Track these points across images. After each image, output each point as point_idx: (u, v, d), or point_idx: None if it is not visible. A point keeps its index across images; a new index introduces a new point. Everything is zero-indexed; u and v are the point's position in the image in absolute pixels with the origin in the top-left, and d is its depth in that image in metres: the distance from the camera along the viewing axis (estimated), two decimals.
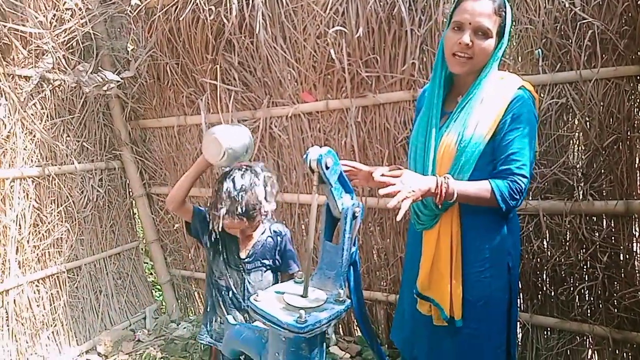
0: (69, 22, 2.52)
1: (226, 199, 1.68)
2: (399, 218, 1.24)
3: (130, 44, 2.71)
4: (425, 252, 1.52)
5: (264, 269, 1.86)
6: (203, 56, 2.52)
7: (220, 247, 1.85)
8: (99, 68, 2.67)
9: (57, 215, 2.57)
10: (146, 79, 2.76)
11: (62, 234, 2.60)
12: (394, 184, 1.27)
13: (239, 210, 1.67)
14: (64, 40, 2.53)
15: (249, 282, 1.84)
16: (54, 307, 2.56)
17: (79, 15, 2.55)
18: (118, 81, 2.62)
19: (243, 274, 1.84)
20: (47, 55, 2.44)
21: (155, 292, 3.33)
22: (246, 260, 1.85)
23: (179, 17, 2.43)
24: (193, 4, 2.32)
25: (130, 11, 2.55)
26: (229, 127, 1.81)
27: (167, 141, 2.89)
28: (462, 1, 1.43)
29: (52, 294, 2.55)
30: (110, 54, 2.78)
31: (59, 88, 2.57)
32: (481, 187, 1.38)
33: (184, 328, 2.89)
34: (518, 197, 1.38)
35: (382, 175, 1.35)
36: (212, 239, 1.83)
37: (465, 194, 1.37)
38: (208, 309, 1.93)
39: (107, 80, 2.54)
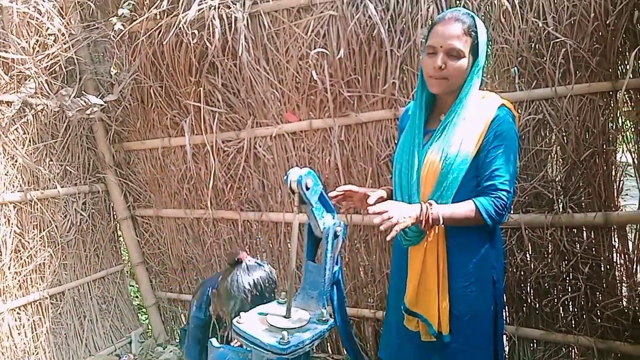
0: (51, 47, 2.52)
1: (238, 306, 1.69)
2: (388, 238, 1.29)
3: (114, 68, 2.72)
4: (412, 268, 1.53)
5: None
6: (187, 79, 2.54)
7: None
8: (82, 92, 2.66)
9: (40, 241, 2.54)
10: (130, 102, 2.76)
11: (44, 260, 2.56)
12: (387, 211, 1.32)
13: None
14: (47, 65, 2.53)
15: None
16: (36, 334, 2.50)
17: (62, 40, 2.55)
18: (101, 105, 2.62)
19: None
20: (29, 81, 2.43)
21: (141, 315, 3.28)
22: None
23: (163, 41, 2.45)
24: (176, 28, 2.35)
25: (113, 36, 2.56)
26: None
27: (152, 163, 2.88)
28: (433, 26, 1.49)
29: (34, 321, 2.50)
30: (94, 78, 2.78)
31: (41, 113, 2.56)
32: (466, 208, 1.42)
33: (171, 352, 2.84)
34: (503, 212, 1.42)
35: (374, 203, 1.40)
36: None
37: (451, 217, 1.40)
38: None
39: (91, 104, 2.55)
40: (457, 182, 1.45)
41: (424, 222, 1.36)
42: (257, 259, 1.89)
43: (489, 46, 2.07)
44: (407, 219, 1.33)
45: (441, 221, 1.38)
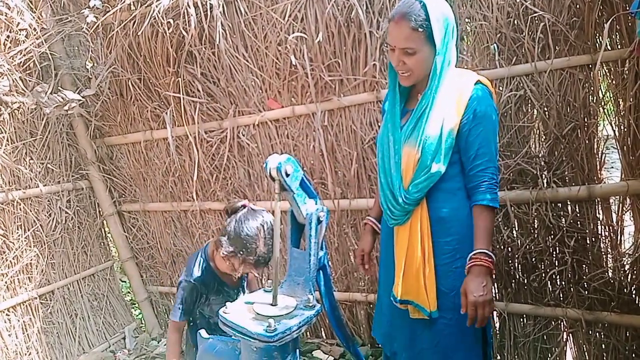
0: (24, 42, 2.46)
1: (260, 250, 1.63)
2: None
3: (90, 61, 2.67)
4: (398, 249, 1.54)
5: None
6: (165, 69, 2.50)
7: (209, 295, 1.83)
8: (59, 88, 2.61)
9: (25, 241, 2.51)
10: (109, 96, 2.72)
11: (31, 260, 2.53)
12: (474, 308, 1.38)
13: (266, 260, 1.66)
14: (20, 62, 2.47)
15: None
16: (27, 335, 2.49)
17: (34, 35, 2.49)
18: (79, 100, 2.57)
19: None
20: (2, 78, 2.38)
21: (134, 310, 3.27)
22: (235, 291, 1.87)
23: (138, 32, 2.40)
24: (151, 17, 2.30)
25: (87, 28, 2.50)
26: None
27: (135, 157, 2.85)
28: (390, 21, 1.46)
29: (24, 321, 2.48)
30: (70, 73, 2.73)
31: (18, 111, 2.51)
32: (484, 220, 1.45)
33: (165, 345, 2.84)
34: (496, 187, 1.48)
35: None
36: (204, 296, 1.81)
37: (489, 238, 1.45)
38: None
39: (68, 99, 2.50)
40: (439, 160, 1.45)
41: (490, 265, 1.40)
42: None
43: (461, 25, 2.05)
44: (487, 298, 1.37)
45: (490, 249, 1.42)
